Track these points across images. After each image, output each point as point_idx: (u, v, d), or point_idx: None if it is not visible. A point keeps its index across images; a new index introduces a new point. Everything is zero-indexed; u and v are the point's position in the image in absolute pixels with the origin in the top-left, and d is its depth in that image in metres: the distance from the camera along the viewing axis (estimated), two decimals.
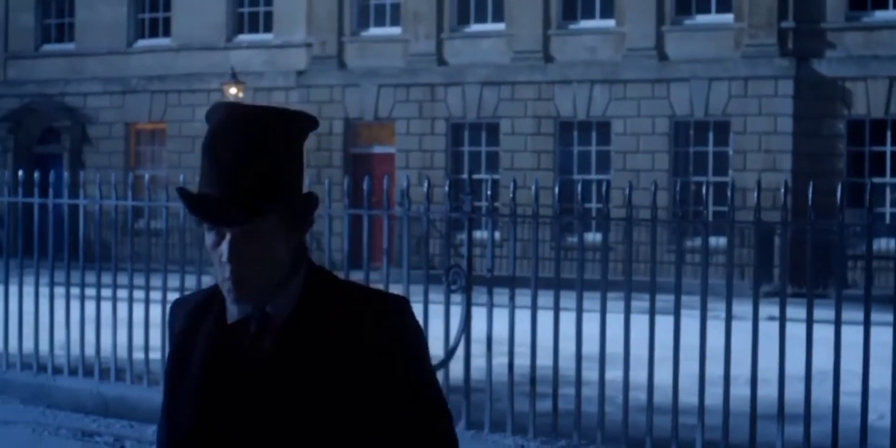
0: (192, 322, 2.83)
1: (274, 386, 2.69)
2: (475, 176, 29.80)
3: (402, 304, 2.77)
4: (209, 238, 2.73)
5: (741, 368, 8.70)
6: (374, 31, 32.07)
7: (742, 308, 9.41)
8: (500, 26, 30.68)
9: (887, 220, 26.62)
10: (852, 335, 8.25)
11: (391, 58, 31.50)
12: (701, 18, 29.03)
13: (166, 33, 34.65)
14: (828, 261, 22.91)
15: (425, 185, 9.40)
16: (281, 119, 2.78)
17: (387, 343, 2.69)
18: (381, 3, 32.02)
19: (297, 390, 2.68)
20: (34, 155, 35.57)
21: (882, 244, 24.16)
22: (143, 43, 35.06)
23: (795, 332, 8.55)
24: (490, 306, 9.16)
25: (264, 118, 2.76)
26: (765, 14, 28.16)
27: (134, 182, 11.56)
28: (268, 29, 33.43)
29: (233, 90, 30.83)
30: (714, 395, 8.68)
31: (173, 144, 33.90)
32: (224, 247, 2.69)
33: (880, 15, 27.70)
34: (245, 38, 33.68)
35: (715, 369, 8.64)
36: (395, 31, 31.71)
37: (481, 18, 31.04)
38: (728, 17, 28.74)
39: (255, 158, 2.70)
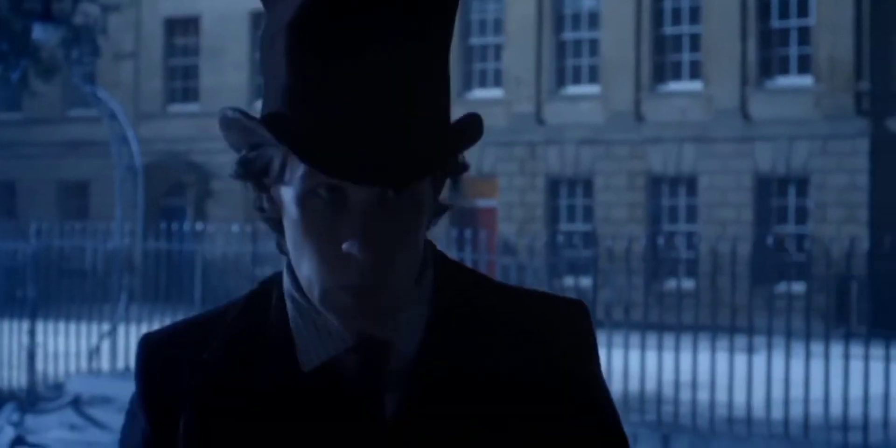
0: (228, 369, 1.67)
1: None
2: (573, 226, 32.28)
3: (585, 308, 1.76)
4: (310, 211, 1.59)
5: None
6: (477, 92, 34.64)
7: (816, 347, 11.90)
8: (596, 89, 33.16)
9: None
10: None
11: (495, 118, 34.03)
12: (782, 81, 31.29)
13: None
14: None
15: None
16: None
17: (572, 373, 1.71)
18: (484, 67, 34.62)
19: None
20: (161, 207, 38.53)
21: None
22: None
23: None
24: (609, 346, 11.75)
25: None
26: (842, 76, 30.35)
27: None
28: None
29: None
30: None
31: None
32: (355, 227, 1.56)
33: None
34: None
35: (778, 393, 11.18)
36: (499, 92, 34.26)
37: (577, 81, 33.52)
38: (808, 80, 30.97)
39: (426, 59, 1.59)
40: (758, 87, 31.37)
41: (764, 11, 31.19)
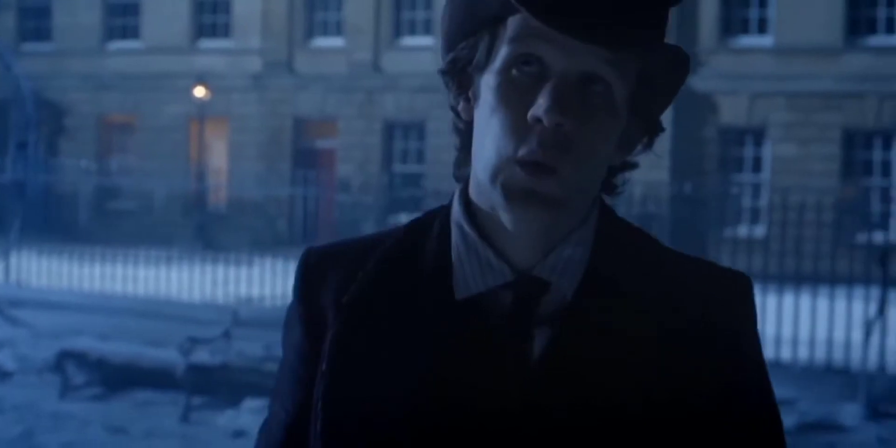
0: (380, 289, 1.67)
1: (549, 416, 1.58)
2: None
3: (750, 281, 1.71)
4: (507, 83, 1.59)
5: None
6: (319, 41, 36.67)
7: None
8: (339, 41, 35.77)
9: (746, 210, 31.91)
10: None
11: (337, 65, 36.13)
12: None
13: (136, 36, 38.87)
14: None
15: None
16: None
17: (738, 340, 1.66)
18: (326, 18, 36.62)
19: (593, 421, 1.58)
20: (14, 142, 39.87)
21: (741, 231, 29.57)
22: (115, 45, 39.38)
23: None
24: None
25: None
26: None
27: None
28: (227, 35, 37.78)
29: (199, 90, 35.26)
30: None
31: (142, 135, 38.34)
32: (549, 93, 1.55)
33: (744, 40, 32.73)
34: (207, 43, 38.04)
35: None
36: (339, 41, 36.27)
37: (413, 32, 35.72)
38: None
39: None
40: None
41: None
